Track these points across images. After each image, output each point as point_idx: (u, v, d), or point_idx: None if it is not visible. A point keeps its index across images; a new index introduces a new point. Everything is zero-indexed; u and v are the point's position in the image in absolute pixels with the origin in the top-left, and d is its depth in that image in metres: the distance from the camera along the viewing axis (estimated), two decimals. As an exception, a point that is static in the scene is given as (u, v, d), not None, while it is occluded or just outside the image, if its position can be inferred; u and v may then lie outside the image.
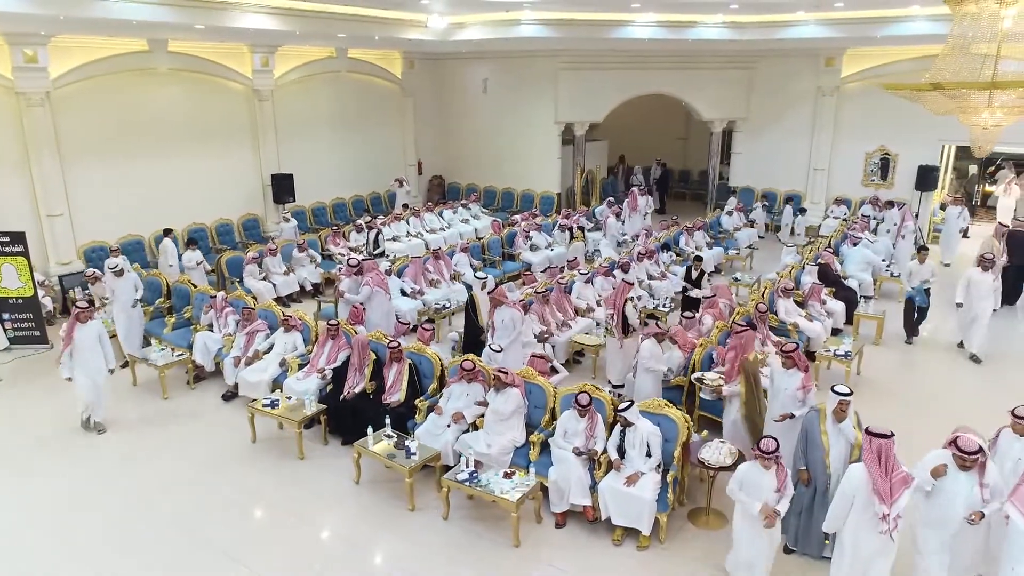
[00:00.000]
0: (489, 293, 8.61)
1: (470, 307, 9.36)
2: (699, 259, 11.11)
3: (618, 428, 6.36)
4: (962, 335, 10.31)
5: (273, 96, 15.01)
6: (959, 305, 10.00)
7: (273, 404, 7.76)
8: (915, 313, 10.56)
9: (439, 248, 12.41)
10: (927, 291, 10.51)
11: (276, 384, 8.55)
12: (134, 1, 10.15)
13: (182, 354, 9.23)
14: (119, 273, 9.80)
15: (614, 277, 11.26)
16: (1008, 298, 11.84)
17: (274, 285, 12.20)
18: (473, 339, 9.12)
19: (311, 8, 12.37)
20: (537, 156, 18.08)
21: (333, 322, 8.44)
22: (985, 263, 9.79)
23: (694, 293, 10.63)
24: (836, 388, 5.61)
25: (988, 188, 20.47)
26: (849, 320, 10.87)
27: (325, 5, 12.38)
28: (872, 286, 12.35)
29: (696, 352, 7.95)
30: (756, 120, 18.02)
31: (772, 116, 17.77)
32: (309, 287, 12.88)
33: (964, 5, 6.20)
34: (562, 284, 10.32)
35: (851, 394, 5.54)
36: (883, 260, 13.28)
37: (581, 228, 14.60)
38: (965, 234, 16.02)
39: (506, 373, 7.00)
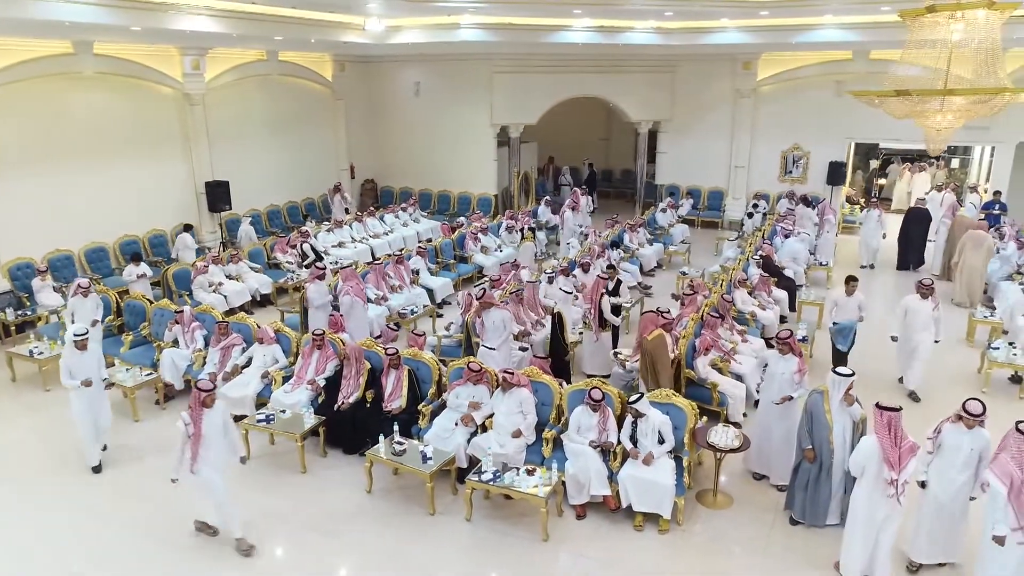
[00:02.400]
0: (479, 299, 8.71)
1: (557, 326, 8.82)
2: (612, 267, 10.79)
3: (629, 419, 6.67)
4: (901, 370, 9.33)
5: (204, 100, 14.41)
6: (894, 339, 9.19)
7: (268, 419, 7.57)
8: (838, 356, 9.12)
9: (399, 253, 12.32)
10: (854, 331, 9.09)
11: (260, 398, 8.35)
12: (67, 1, 9.57)
13: (150, 373, 8.79)
14: (83, 345, 7.23)
15: (575, 276, 11.59)
16: (911, 264, 14.75)
17: (225, 297, 11.76)
18: (559, 359, 8.69)
19: (249, 10, 11.98)
20: (473, 158, 18.22)
21: (319, 332, 8.29)
22: (924, 290, 8.73)
23: (613, 300, 10.13)
24: (838, 370, 6.12)
25: (880, 181, 22.39)
26: (792, 307, 11.70)
27: (264, 7, 12.04)
28: (804, 275, 13.30)
29: (680, 344, 8.37)
30: (679, 121, 18.89)
31: (694, 117, 18.68)
32: (259, 297, 12.51)
33: (918, 19, 6.91)
34: (532, 284, 10.55)
35: (853, 375, 6.06)
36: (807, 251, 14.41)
37: (532, 229, 14.87)
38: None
39: (511, 373, 7.18)
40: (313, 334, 8.24)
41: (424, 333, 8.60)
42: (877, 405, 5.41)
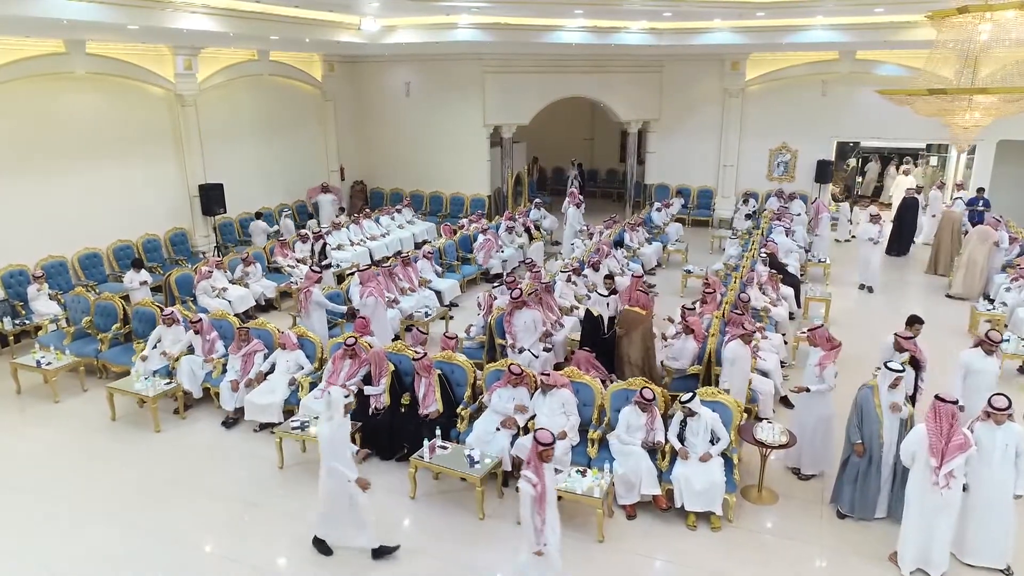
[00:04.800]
0: (514, 299, 8.65)
1: (595, 327, 8.72)
2: (610, 278, 10.46)
3: (677, 418, 6.70)
4: None
5: (196, 101, 14.06)
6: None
7: (303, 426, 7.41)
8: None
9: (406, 255, 12.18)
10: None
11: (287, 405, 8.17)
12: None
13: (169, 383, 8.52)
14: (348, 408, 6.08)
15: (585, 276, 11.61)
16: (902, 249, 15.64)
17: (229, 302, 11.48)
18: (603, 357, 8.44)
19: (246, 8, 11.74)
20: (466, 159, 18.10)
21: (351, 340, 8.10)
22: (989, 346, 7.17)
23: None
24: (890, 365, 6.22)
25: (858, 179, 22.94)
26: (798, 303, 11.88)
27: (263, 5, 11.81)
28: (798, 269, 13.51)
29: (710, 342, 8.43)
30: (668, 120, 19.04)
31: (682, 116, 18.85)
32: (264, 302, 12.27)
33: (946, 21, 7.08)
34: (546, 284, 10.52)
35: (904, 371, 6.16)
36: (801, 247, 14.66)
37: (537, 227, 14.84)
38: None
39: (548, 375, 7.15)
40: (345, 343, 8.06)
41: (456, 336, 8.50)
42: (936, 396, 5.52)
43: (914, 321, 7.82)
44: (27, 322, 10.58)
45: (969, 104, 7.24)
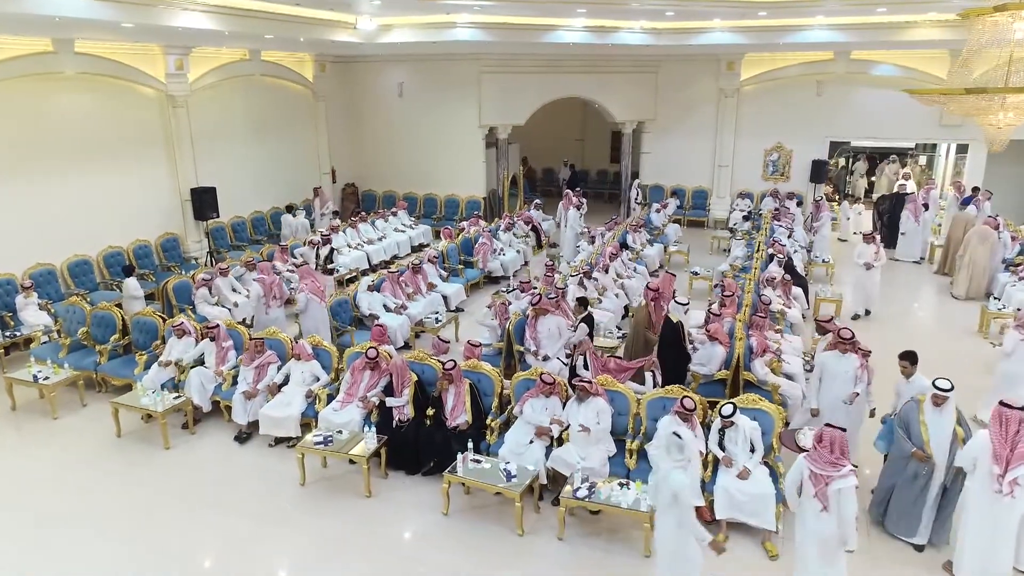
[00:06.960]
0: (534, 305, 8.41)
1: (677, 336, 8.29)
2: (583, 301, 9.45)
3: (716, 426, 6.52)
4: None
5: (188, 102, 13.60)
6: None
7: (325, 441, 7.09)
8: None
9: (416, 262, 11.84)
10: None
11: (305, 418, 7.84)
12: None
13: (178, 396, 8.13)
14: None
15: (596, 279, 11.40)
16: (890, 242, 15.15)
17: (229, 310, 11.08)
18: (677, 371, 8.09)
19: (243, 6, 11.36)
20: (460, 160, 17.81)
21: (372, 352, 7.79)
22: (843, 346, 6.81)
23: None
24: (937, 383, 6.02)
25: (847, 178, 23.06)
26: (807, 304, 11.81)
27: (261, 3, 11.44)
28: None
29: (737, 346, 8.26)
30: (663, 121, 18.91)
31: (678, 117, 18.73)
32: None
33: (979, 20, 7.00)
34: (561, 289, 10.30)
35: (951, 389, 5.94)
36: (802, 247, 14.61)
37: (544, 232, 14.62)
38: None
39: (590, 383, 6.93)
40: (367, 355, 7.75)
41: (480, 343, 8.23)
42: (1000, 402, 5.39)
43: (905, 356, 6.72)
44: (17, 334, 10.10)
45: (1003, 104, 7.19)
